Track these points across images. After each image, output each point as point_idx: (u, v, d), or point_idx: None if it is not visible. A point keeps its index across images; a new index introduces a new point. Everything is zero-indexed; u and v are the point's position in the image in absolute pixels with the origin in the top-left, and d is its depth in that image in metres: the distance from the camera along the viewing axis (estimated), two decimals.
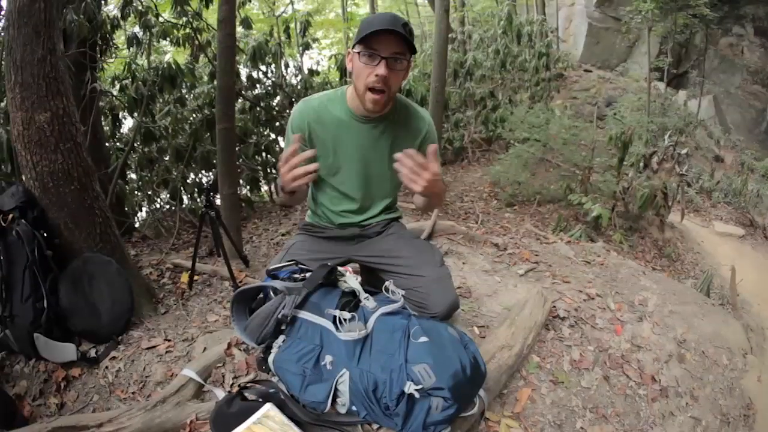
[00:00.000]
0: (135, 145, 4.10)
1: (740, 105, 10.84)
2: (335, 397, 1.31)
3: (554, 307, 2.17)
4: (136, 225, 4.18)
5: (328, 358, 1.33)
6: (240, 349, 1.81)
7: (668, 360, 2.04)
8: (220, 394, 1.57)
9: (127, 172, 4.41)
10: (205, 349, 1.93)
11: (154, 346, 1.93)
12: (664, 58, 9.54)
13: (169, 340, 2.00)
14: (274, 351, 1.45)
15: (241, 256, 2.98)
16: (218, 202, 3.02)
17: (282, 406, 1.37)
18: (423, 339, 1.30)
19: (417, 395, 1.19)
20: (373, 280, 1.74)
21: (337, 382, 1.29)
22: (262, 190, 4.98)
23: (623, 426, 1.68)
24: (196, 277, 2.71)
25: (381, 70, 1.37)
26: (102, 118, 3.92)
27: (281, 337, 1.48)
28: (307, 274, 1.48)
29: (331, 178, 1.62)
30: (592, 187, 4.21)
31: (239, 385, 1.45)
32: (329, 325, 1.35)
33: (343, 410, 1.32)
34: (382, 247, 1.72)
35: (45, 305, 1.83)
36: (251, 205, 4.49)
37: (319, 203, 1.73)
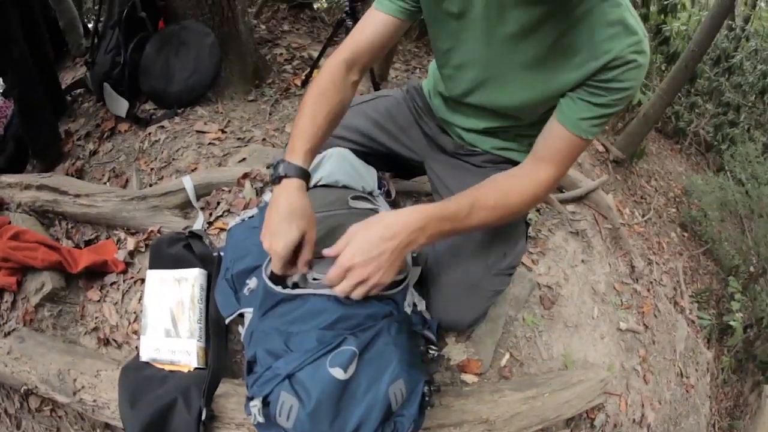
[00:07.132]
0: None
1: None
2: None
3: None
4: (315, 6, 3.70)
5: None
6: (253, 187, 1.71)
7: None
8: (200, 221, 1.57)
9: None
10: (243, 159, 1.86)
11: (204, 132, 1.92)
12: None
13: (223, 131, 1.97)
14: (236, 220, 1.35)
15: None
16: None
17: (210, 279, 1.32)
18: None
19: None
20: None
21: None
22: None
23: None
24: (315, 73, 2.44)
25: None
26: None
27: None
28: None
29: (448, 51, 1.06)
30: None
31: (190, 231, 1.42)
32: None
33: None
34: (452, 184, 1.22)
35: (122, 61, 1.98)
36: None
37: (435, 78, 1.26)
